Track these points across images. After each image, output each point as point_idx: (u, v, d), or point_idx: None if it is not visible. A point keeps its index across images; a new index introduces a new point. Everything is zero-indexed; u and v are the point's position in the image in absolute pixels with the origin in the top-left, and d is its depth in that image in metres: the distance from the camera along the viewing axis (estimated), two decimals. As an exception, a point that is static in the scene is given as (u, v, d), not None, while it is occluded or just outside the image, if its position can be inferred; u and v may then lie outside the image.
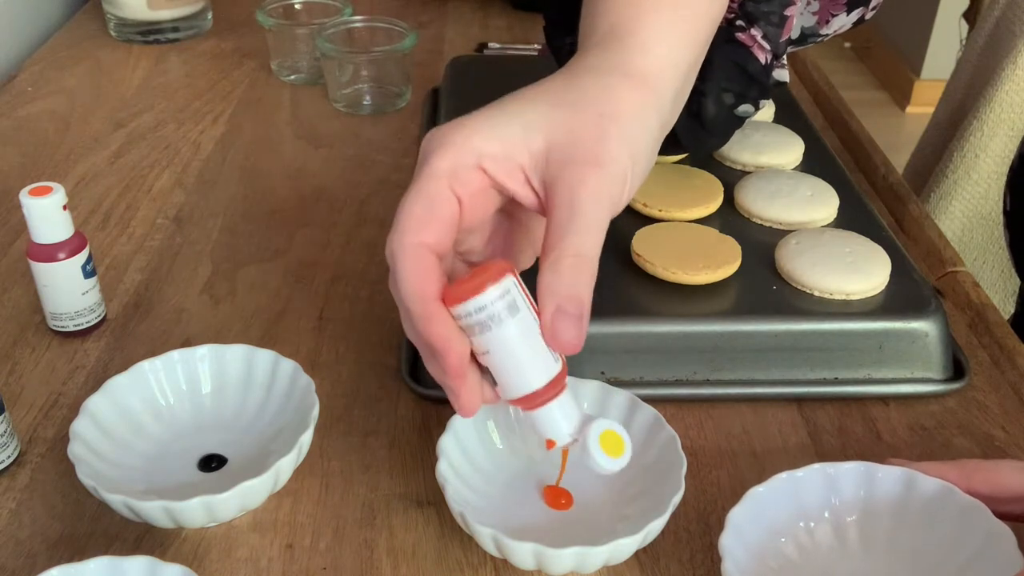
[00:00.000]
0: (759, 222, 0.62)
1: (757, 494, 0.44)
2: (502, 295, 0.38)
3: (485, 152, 0.40)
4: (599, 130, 0.40)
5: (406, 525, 0.48)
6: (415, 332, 0.40)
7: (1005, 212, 0.80)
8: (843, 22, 0.64)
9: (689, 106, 0.52)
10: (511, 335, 0.39)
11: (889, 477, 0.45)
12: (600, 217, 0.39)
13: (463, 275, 0.43)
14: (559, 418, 0.41)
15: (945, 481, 0.44)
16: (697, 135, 0.58)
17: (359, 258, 0.67)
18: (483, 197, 0.41)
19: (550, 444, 0.41)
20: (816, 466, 0.45)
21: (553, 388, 0.40)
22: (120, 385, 0.50)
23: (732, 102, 0.58)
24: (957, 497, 0.44)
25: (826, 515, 0.45)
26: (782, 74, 0.63)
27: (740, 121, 0.60)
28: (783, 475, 0.45)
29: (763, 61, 0.57)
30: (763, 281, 0.57)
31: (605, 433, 0.41)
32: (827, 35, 0.65)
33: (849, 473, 0.46)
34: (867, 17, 0.66)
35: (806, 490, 0.45)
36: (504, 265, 0.40)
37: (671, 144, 0.52)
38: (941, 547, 0.44)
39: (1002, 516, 0.43)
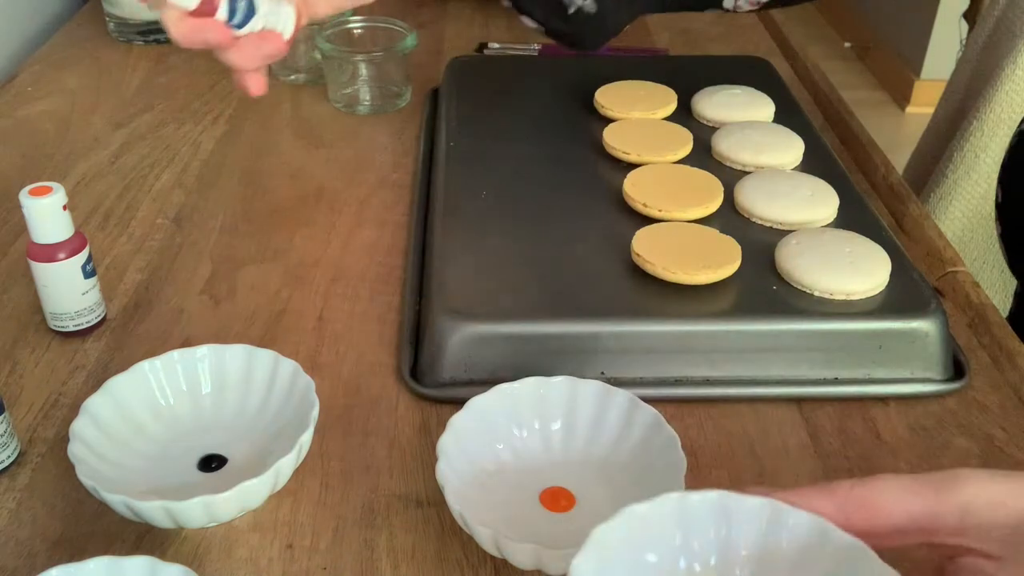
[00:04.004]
0: (759, 222, 0.62)
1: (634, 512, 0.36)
2: None
3: None
4: None
5: (406, 525, 0.48)
6: None
7: (997, 205, 0.81)
8: None
9: None
10: None
11: (751, 512, 0.37)
12: None
13: None
14: None
15: (818, 515, 0.36)
16: None
17: (359, 258, 0.67)
18: None
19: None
20: (673, 496, 0.37)
21: None
22: (120, 385, 0.50)
23: None
24: (833, 537, 0.36)
25: (681, 563, 0.37)
26: None
27: None
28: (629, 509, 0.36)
29: None
30: (763, 281, 0.57)
31: None
32: None
33: (705, 507, 0.37)
34: None
35: (652, 527, 0.37)
36: None
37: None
38: None
39: (883, 548, 0.36)
